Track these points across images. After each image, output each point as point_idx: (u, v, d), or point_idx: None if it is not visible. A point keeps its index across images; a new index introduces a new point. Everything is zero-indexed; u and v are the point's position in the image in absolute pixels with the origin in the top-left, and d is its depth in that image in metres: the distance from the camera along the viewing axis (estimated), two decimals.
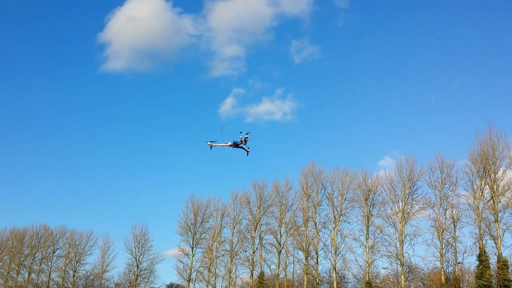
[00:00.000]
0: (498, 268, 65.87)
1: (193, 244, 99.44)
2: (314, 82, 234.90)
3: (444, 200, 74.15)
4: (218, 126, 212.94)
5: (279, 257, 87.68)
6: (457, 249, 71.34)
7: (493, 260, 67.65)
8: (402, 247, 74.62)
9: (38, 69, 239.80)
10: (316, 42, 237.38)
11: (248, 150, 57.34)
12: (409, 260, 74.75)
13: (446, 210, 73.70)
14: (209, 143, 58.81)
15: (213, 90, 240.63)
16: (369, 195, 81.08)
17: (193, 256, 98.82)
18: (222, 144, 58.45)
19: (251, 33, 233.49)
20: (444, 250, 71.94)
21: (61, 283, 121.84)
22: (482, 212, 69.82)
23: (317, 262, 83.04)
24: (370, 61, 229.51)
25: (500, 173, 70.30)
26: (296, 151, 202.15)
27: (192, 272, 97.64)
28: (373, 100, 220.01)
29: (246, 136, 56.08)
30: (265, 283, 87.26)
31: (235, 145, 57.48)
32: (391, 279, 76.81)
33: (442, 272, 71.40)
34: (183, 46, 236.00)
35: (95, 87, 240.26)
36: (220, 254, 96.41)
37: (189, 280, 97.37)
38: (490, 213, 69.31)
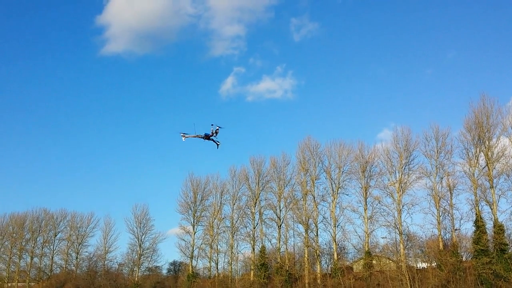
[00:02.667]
0: (495, 233, 67.50)
1: (194, 222, 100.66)
2: (313, 58, 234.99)
3: (440, 168, 75.32)
4: (219, 106, 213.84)
5: (279, 231, 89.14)
6: (454, 216, 73.01)
7: (489, 225, 69.37)
8: (400, 217, 76.04)
9: (36, 54, 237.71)
10: (316, 18, 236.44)
11: (218, 143, 57.56)
12: (407, 228, 76.23)
13: (442, 178, 74.94)
14: (181, 134, 58.21)
15: (213, 70, 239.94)
16: (366, 167, 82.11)
17: (194, 233, 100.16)
18: (194, 136, 57.95)
19: (250, 11, 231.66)
20: (441, 217, 73.32)
21: (64, 266, 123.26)
22: (478, 179, 71.14)
23: (317, 235, 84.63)
24: (368, 36, 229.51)
25: (494, 140, 71.63)
26: (296, 128, 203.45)
27: (194, 249, 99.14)
28: (371, 75, 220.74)
29: (217, 128, 56.40)
30: (267, 257, 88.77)
31: (206, 137, 57.19)
32: (390, 248, 78.21)
33: (440, 239, 72.91)
34: (183, 27, 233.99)
35: (94, 71, 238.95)
36: (221, 231, 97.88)
37: (191, 257, 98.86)
38: (486, 180, 70.78)
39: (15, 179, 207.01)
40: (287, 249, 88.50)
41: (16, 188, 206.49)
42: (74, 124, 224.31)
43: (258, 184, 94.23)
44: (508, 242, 67.72)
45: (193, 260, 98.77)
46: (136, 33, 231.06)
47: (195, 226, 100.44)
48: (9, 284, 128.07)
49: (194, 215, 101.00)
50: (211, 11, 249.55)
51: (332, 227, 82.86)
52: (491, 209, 69.24)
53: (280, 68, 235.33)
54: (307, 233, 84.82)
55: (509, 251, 67.02)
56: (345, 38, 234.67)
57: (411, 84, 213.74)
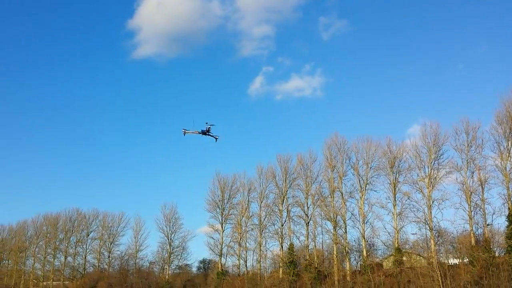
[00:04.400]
0: None
1: (222, 220, 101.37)
2: (342, 56, 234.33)
3: (471, 162, 73.55)
4: (248, 105, 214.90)
5: (307, 229, 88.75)
6: (486, 211, 71.14)
7: None
8: (431, 212, 74.68)
9: (69, 60, 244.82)
10: (344, 16, 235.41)
11: (216, 137, 69.92)
12: (438, 224, 74.76)
13: (473, 172, 73.22)
14: (183, 130, 70.42)
15: (242, 70, 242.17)
16: (394, 162, 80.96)
17: (223, 231, 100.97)
18: (194, 132, 69.69)
19: (279, 11, 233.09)
20: (472, 212, 71.67)
21: (97, 265, 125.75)
22: (510, 173, 69.35)
23: (346, 232, 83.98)
24: (397, 32, 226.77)
25: None
26: (325, 126, 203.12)
27: (223, 247, 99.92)
28: (401, 71, 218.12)
29: (209, 126, 68.54)
30: (295, 254, 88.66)
31: (203, 132, 68.97)
32: (421, 244, 77.20)
33: (471, 234, 71.47)
34: (212, 28, 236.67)
35: (126, 74, 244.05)
36: (249, 229, 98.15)
37: (220, 255, 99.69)
38: None
39: (48, 180, 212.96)
40: (315, 246, 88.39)
41: (49, 189, 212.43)
42: (105, 126, 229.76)
43: (285, 182, 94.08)
44: None
45: (222, 258, 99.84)
46: (166, 36, 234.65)
47: (224, 224, 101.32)
48: (44, 283, 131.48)
49: (222, 213, 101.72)
50: (239, 12, 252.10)
51: (361, 224, 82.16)
52: None
53: (308, 66, 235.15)
54: (335, 230, 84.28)
55: None
56: (374, 34, 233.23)
57: (442, 79, 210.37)
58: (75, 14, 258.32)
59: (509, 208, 68.00)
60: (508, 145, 70.55)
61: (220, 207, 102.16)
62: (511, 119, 70.39)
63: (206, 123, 69.69)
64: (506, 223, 68.23)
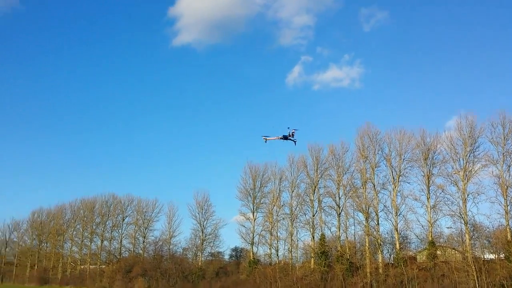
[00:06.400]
0: None
1: (253, 208, 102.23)
2: (382, 47, 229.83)
3: (507, 156, 71.60)
4: (285, 95, 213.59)
5: (339, 219, 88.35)
6: None
7: None
8: (465, 206, 73.38)
9: (112, 48, 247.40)
10: (385, 7, 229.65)
11: (295, 141, 70.95)
12: (473, 218, 73.35)
13: (509, 166, 71.30)
14: (263, 137, 71.83)
15: (281, 59, 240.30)
16: (428, 154, 79.42)
17: (254, 220, 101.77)
18: (275, 138, 70.86)
19: (319, 1, 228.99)
20: (509, 207, 70.02)
21: (132, 249, 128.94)
22: None
23: (378, 223, 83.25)
24: (439, 23, 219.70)
25: None
26: (362, 117, 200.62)
27: (254, 236, 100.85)
28: (443, 62, 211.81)
29: (293, 131, 69.51)
30: (327, 245, 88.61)
31: (285, 137, 69.83)
32: (455, 238, 76.02)
33: (507, 229, 69.82)
34: (251, 16, 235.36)
35: (166, 61, 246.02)
36: (281, 218, 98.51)
37: (252, 244, 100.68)
38: None
39: (85, 166, 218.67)
40: (347, 237, 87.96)
41: (86, 174, 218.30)
42: (141, 114, 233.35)
43: (317, 172, 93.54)
44: None
45: (253, 247, 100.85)
46: (206, 23, 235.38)
47: (255, 213, 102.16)
48: (82, 266, 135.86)
49: (253, 201, 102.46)
50: (280, 1, 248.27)
51: (394, 216, 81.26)
52: None
53: (348, 56, 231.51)
54: (367, 221, 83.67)
55: None
56: (414, 26, 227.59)
57: (487, 72, 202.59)
58: (117, 3, 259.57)
59: None
60: None
61: (252, 196, 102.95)
62: None
63: (288, 128, 70.77)
64: None
